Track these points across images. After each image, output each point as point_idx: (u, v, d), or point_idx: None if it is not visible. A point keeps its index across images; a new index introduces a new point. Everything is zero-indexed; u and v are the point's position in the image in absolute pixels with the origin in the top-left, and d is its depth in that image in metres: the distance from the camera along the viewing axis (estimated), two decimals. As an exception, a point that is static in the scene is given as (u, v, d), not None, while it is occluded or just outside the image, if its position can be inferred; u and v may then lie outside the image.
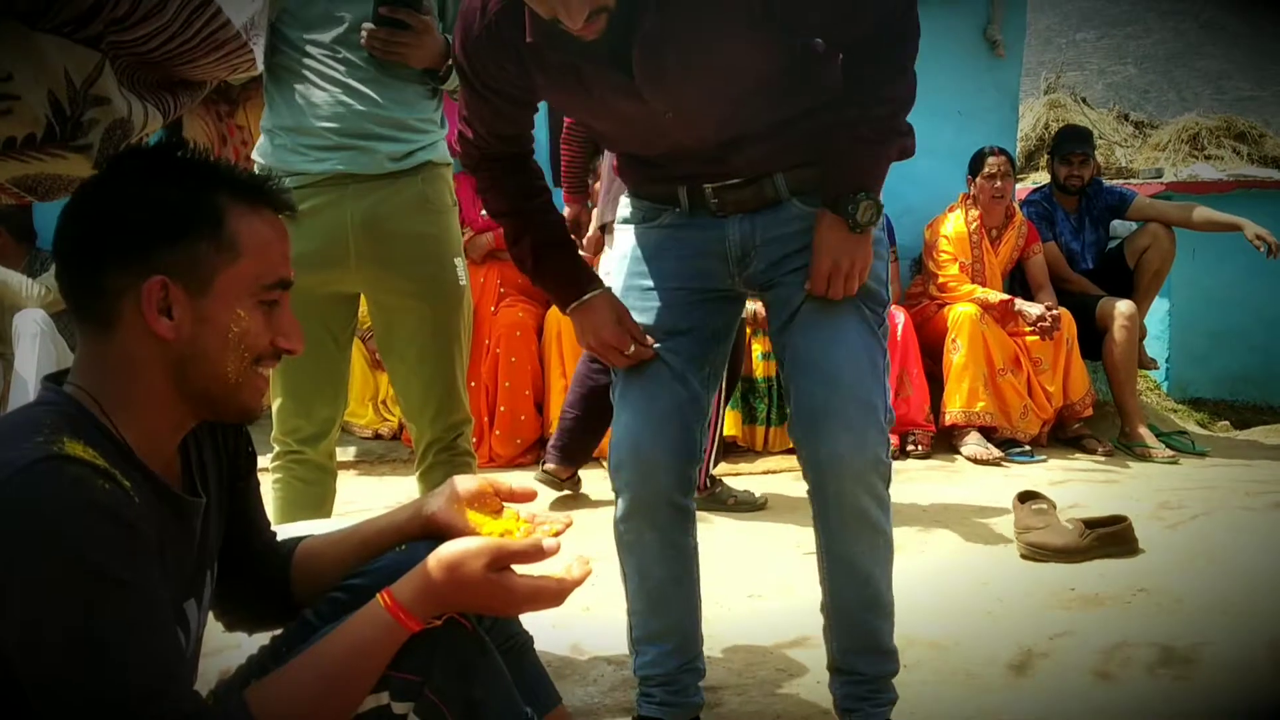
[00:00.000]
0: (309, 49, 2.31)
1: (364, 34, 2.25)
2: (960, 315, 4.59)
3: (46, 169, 1.36)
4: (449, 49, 2.29)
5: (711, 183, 1.87)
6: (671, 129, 1.77)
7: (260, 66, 1.63)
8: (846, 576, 1.88)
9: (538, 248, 1.93)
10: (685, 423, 1.89)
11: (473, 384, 4.48)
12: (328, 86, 2.31)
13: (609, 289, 1.93)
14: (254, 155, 2.45)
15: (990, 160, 4.72)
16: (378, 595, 1.23)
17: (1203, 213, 4.92)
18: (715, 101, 1.75)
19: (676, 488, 1.89)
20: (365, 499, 3.76)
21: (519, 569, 1.29)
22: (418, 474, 2.54)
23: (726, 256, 1.92)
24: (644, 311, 1.93)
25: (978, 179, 4.75)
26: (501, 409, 4.47)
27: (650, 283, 1.95)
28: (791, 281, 1.87)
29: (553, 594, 1.29)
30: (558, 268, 1.94)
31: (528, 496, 1.48)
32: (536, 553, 1.29)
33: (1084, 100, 9.80)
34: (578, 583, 1.31)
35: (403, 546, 1.42)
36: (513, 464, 4.39)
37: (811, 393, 1.80)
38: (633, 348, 1.87)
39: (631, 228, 2.00)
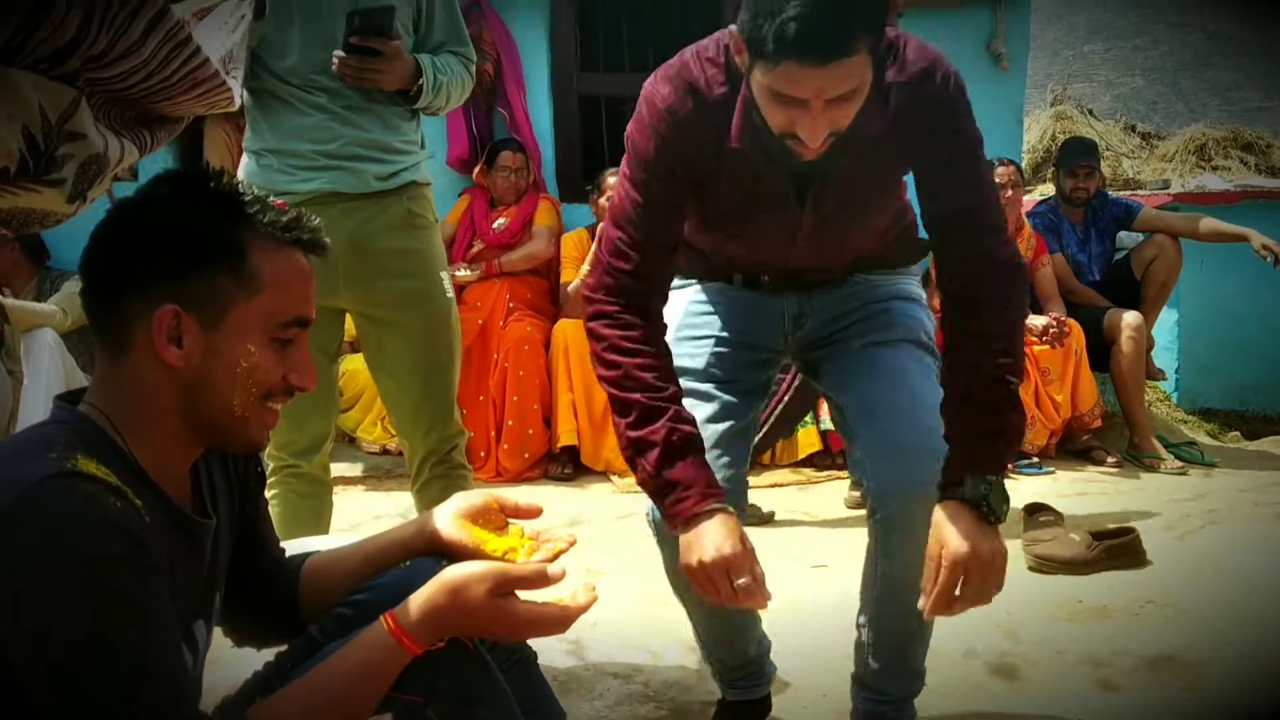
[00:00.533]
0: (290, 77, 2.36)
1: (335, 62, 2.30)
2: (967, 326, 4.58)
3: (20, 203, 1.37)
4: (419, 70, 2.38)
5: (771, 275, 1.93)
6: (799, 251, 1.83)
7: (239, 101, 1.64)
8: (895, 602, 1.86)
9: (673, 444, 1.67)
10: (735, 462, 1.87)
11: (480, 398, 4.49)
12: (312, 112, 2.37)
13: (732, 509, 1.69)
14: (239, 175, 2.48)
15: (999, 171, 4.71)
16: (381, 618, 1.24)
17: (1209, 223, 4.91)
18: (848, 240, 1.84)
19: None
20: (372, 514, 3.77)
21: (523, 594, 1.30)
22: (414, 489, 2.56)
23: (783, 315, 1.95)
24: (694, 358, 1.91)
25: None
26: (510, 423, 4.47)
27: (704, 333, 1.95)
28: (848, 334, 1.91)
29: (555, 620, 1.30)
30: (688, 471, 1.67)
31: (533, 513, 1.47)
32: (540, 579, 1.29)
33: (1090, 112, 9.80)
34: (582, 610, 1.32)
35: (407, 563, 1.42)
36: (520, 478, 4.39)
37: (884, 428, 1.79)
38: (746, 579, 1.60)
39: (689, 285, 2.01)
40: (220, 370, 1.21)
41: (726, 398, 1.88)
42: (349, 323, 2.55)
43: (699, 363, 1.91)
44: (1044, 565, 3.14)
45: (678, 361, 1.80)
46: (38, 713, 1.06)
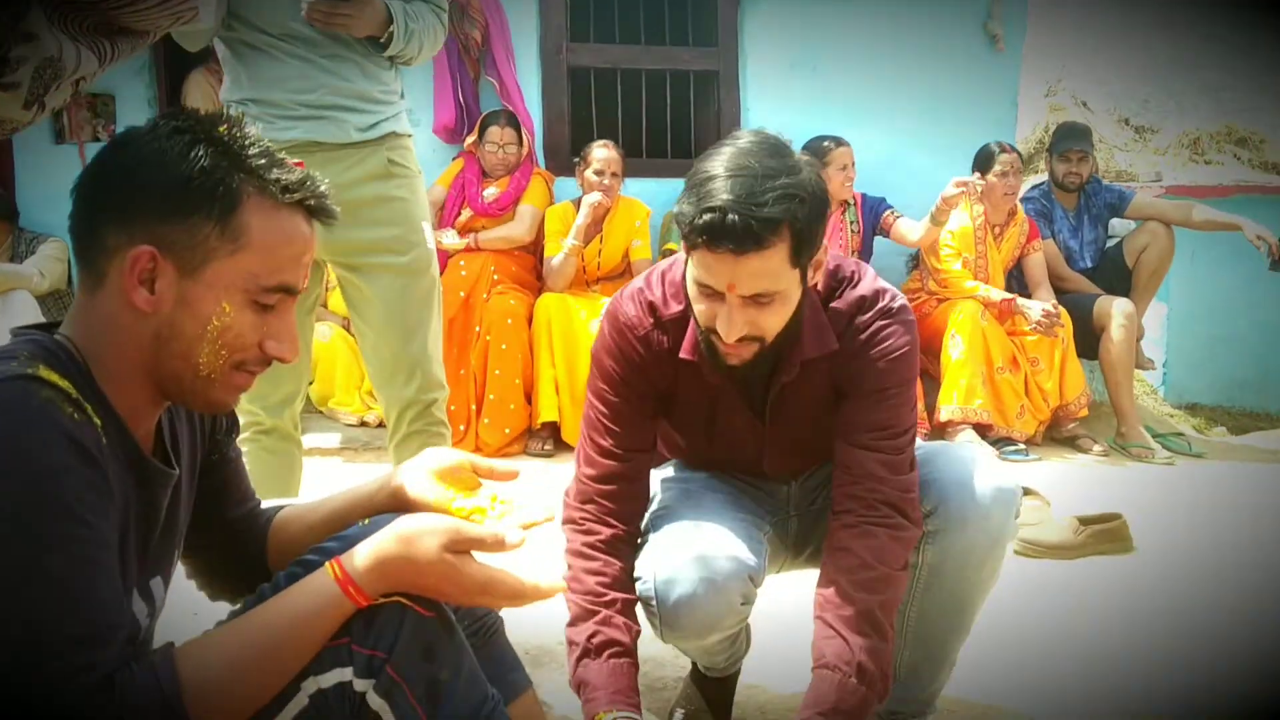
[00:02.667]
0: (268, 27, 2.33)
1: (305, 6, 2.27)
2: (961, 311, 4.53)
3: None
4: (390, 16, 2.34)
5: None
6: (771, 460, 1.86)
7: (207, 22, 1.58)
8: (941, 596, 1.81)
9: (591, 645, 1.67)
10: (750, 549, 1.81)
11: (461, 372, 4.42)
12: (291, 61, 2.34)
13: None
14: None
15: (1003, 157, 4.65)
16: (327, 564, 1.18)
17: (1202, 211, 4.87)
18: (819, 450, 1.80)
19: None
20: (349, 485, 3.70)
21: (482, 558, 1.22)
22: (392, 445, 2.52)
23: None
24: (693, 482, 1.91)
25: (989, 176, 4.66)
26: (491, 397, 4.41)
27: (701, 476, 1.94)
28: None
29: (509, 591, 1.23)
30: (600, 674, 1.66)
31: (509, 476, 1.42)
32: (497, 544, 1.22)
33: (1085, 104, 9.77)
34: (542, 595, 1.25)
35: (366, 521, 1.36)
36: (500, 453, 4.32)
37: (947, 466, 1.79)
38: None
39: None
40: (190, 323, 1.16)
41: (732, 507, 1.85)
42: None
43: (698, 485, 1.91)
44: (1030, 549, 3.10)
45: (676, 486, 1.89)
46: None
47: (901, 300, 1.75)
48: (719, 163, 1.52)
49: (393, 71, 2.47)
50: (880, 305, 1.72)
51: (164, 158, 1.14)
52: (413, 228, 2.45)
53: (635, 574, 1.75)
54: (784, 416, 1.79)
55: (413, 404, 2.46)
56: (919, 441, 1.80)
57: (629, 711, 1.62)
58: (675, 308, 1.73)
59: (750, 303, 1.55)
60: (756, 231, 1.48)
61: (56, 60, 1.33)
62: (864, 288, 1.73)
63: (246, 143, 1.18)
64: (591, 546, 1.74)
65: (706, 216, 1.49)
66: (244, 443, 2.40)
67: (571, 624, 1.71)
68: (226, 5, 2.32)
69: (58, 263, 4.49)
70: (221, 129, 1.17)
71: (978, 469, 1.74)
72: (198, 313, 1.15)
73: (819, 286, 1.71)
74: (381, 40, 2.37)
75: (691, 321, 1.69)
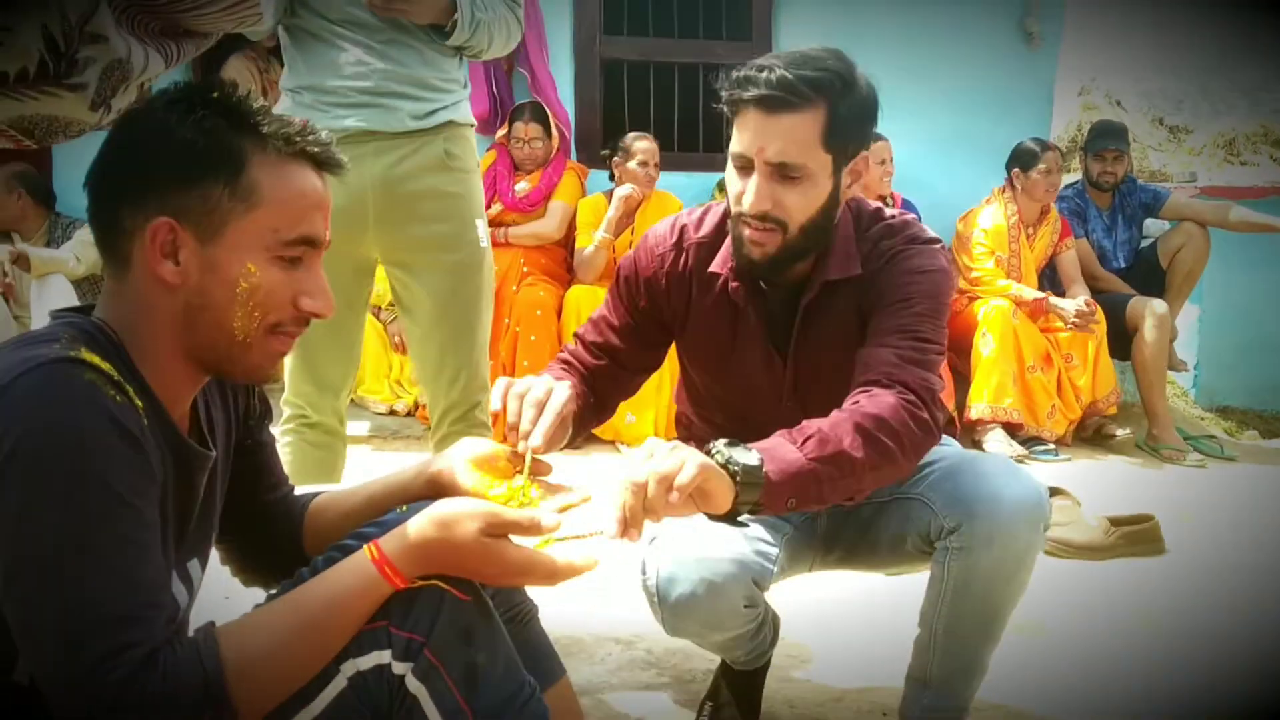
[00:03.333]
0: (327, 12, 2.30)
1: None
2: (993, 309, 4.51)
3: (42, 109, 1.32)
4: (454, 4, 2.29)
5: None
6: (785, 408, 1.77)
7: (268, 23, 1.58)
8: (974, 603, 1.77)
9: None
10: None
11: (491, 362, 4.42)
12: (348, 46, 2.30)
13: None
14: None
15: (1047, 155, 4.61)
16: (365, 547, 1.18)
17: (1239, 213, 4.82)
18: (829, 399, 1.63)
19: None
20: (378, 473, 3.71)
21: (517, 540, 1.23)
22: (433, 442, 2.50)
23: None
24: None
25: (1031, 174, 4.61)
26: (518, 389, 4.41)
27: None
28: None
29: (546, 571, 1.22)
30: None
31: (544, 470, 1.42)
32: (534, 527, 1.22)
33: (1119, 104, 9.69)
34: (577, 571, 1.24)
35: (404, 508, 1.37)
36: (528, 445, 4.33)
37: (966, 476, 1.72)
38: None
39: None
40: (219, 288, 1.16)
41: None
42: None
43: None
44: (1059, 550, 3.08)
45: None
46: (2, 599, 1.03)
47: (933, 234, 1.74)
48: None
49: (456, 59, 2.41)
50: (909, 232, 1.71)
51: (164, 130, 1.15)
52: (466, 225, 2.39)
53: (641, 567, 1.75)
54: (806, 351, 1.75)
55: (457, 405, 2.43)
56: (943, 450, 1.76)
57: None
58: (707, 230, 1.77)
59: (776, 174, 1.58)
60: (792, 84, 1.53)
61: (125, 62, 1.33)
62: (896, 219, 1.74)
63: (242, 104, 1.19)
64: (552, 370, 1.79)
65: (749, 71, 1.55)
66: (287, 434, 2.41)
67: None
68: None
69: (93, 248, 4.51)
70: (215, 94, 1.18)
71: (1005, 483, 1.68)
72: (225, 277, 1.16)
73: (860, 217, 1.73)
74: (446, 29, 2.31)
75: (725, 241, 1.72)
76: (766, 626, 2.01)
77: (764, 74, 1.54)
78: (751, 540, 1.75)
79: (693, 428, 1.97)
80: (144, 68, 1.41)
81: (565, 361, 1.84)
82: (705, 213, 1.82)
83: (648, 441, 1.37)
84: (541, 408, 1.49)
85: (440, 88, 2.36)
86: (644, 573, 1.74)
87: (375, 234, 2.34)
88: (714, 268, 1.74)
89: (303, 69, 2.34)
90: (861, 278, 1.69)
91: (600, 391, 1.84)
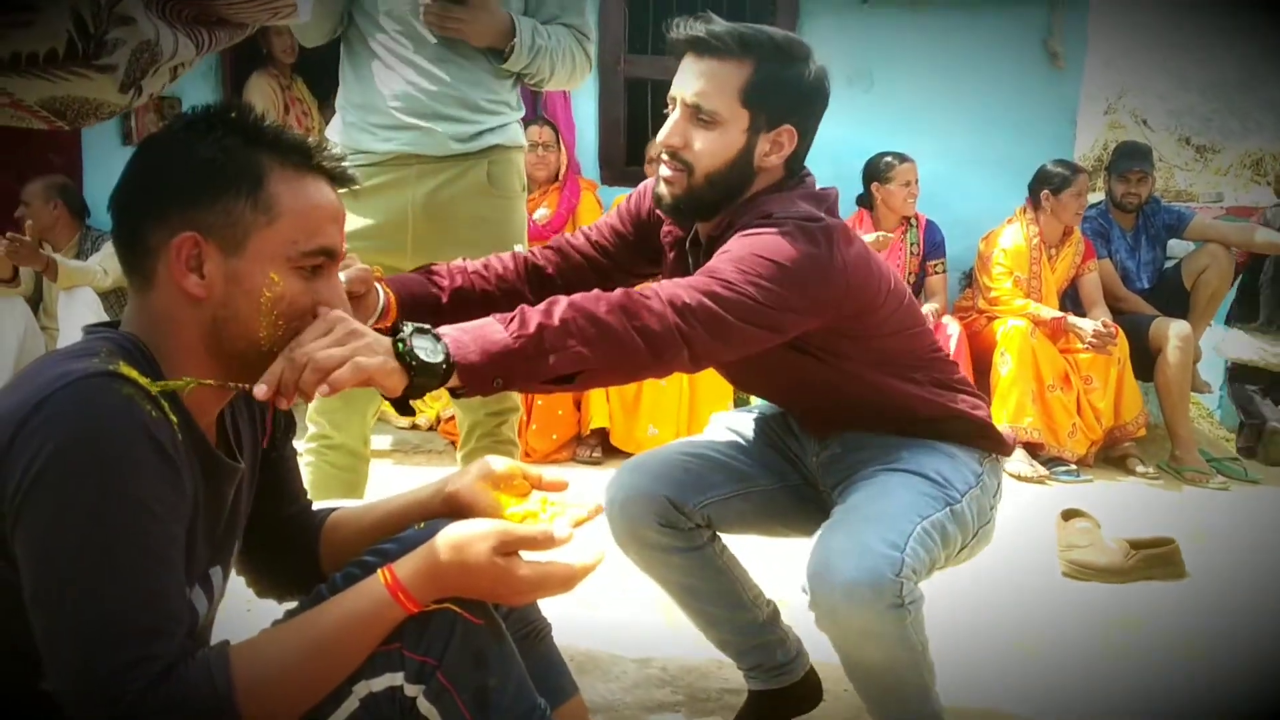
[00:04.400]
0: (381, 24, 2.31)
1: (420, 7, 2.24)
2: (1011, 329, 4.50)
3: (73, 90, 1.34)
4: (513, 28, 2.29)
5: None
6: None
7: (304, 15, 1.60)
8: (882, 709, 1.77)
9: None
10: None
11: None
12: (396, 65, 2.31)
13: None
14: (327, 133, 2.46)
15: (1079, 179, 4.59)
16: (379, 571, 1.20)
17: (1266, 234, 4.79)
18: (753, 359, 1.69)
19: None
20: (399, 488, 3.72)
21: (529, 555, 1.24)
22: (460, 457, 2.53)
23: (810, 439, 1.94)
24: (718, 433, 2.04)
25: (1062, 196, 4.58)
26: (539, 403, 4.43)
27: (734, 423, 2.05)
28: (863, 467, 1.81)
29: (560, 580, 1.24)
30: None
31: (558, 486, 1.43)
32: (546, 540, 1.24)
33: (1145, 122, 9.66)
34: (589, 570, 1.26)
35: (421, 525, 1.39)
36: (548, 460, 4.34)
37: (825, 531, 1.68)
38: None
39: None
40: (243, 299, 1.19)
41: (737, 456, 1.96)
42: None
43: (721, 434, 2.02)
44: (1079, 572, 3.07)
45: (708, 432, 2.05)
46: (29, 605, 1.04)
47: (805, 213, 1.64)
48: None
49: (508, 81, 2.40)
50: (775, 215, 1.63)
51: (185, 148, 1.19)
52: (503, 251, 2.42)
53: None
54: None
55: (484, 422, 2.45)
56: (888, 461, 1.76)
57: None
58: None
59: (692, 116, 1.65)
60: (721, 35, 1.63)
61: (154, 44, 1.35)
62: (787, 201, 1.67)
63: (258, 122, 1.22)
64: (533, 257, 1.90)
65: (690, 18, 1.67)
66: (309, 453, 2.42)
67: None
68: (345, 2, 2.32)
69: (120, 261, 4.59)
70: (233, 114, 1.22)
71: (852, 550, 1.57)
72: (249, 287, 1.19)
73: (782, 190, 1.70)
74: (504, 53, 2.31)
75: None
76: (789, 641, 2.01)
77: (702, 21, 1.65)
78: (696, 471, 1.90)
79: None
80: (174, 52, 1.42)
81: (541, 250, 1.91)
82: None
83: (332, 315, 1.25)
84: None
85: (486, 109, 2.35)
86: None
87: (414, 257, 2.35)
88: (658, 211, 1.81)
89: (354, 85, 2.36)
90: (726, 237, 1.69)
91: (558, 280, 1.88)
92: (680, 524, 1.87)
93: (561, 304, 1.46)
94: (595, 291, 1.51)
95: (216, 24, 1.49)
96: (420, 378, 1.32)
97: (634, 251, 1.91)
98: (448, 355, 1.35)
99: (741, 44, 1.63)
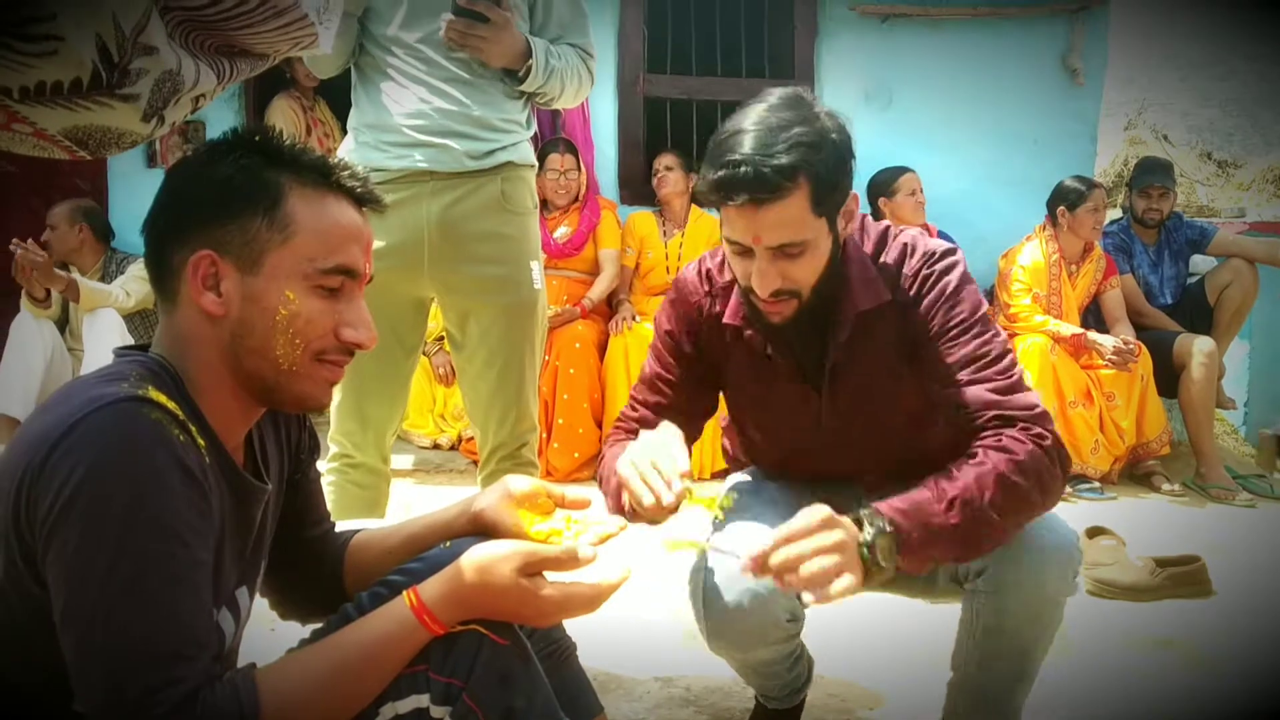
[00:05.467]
0: (394, 47, 2.33)
1: (443, 24, 2.25)
2: (1030, 346, 4.48)
3: (96, 119, 1.35)
4: (529, 49, 2.31)
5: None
6: (827, 445, 1.84)
7: (327, 47, 1.61)
8: (984, 694, 1.80)
9: (623, 440, 1.79)
10: None
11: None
12: (410, 85, 2.33)
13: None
14: (339, 153, 2.46)
15: (1095, 193, 4.58)
16: (404, 593, 1.21)
17: (1291, 250, 4.77)
18: (880, 437, 1.81)
19: None
20: (421, 507, 3.75)
21: (553, 575, 1.25)
22: (481, 478, 2.52)
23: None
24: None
25: (1078, 212, 4.58)
26: (560, 422, 4.44)
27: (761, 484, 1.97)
28: None
29: (585, 600, 1.25)
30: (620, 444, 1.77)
31: (581, 504, 1.44)
32: (571, 560, 1.25)
33: (1165, 138, 9.62)
34: (614, 588, 1.27)
35: (447, 544, 1.40)
36: (569, 478, 4.35)
37: None
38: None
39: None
40: (259, 317, 1.20)
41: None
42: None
43: (762, 495, 1.92)
44: (1104, 590, 3.04)
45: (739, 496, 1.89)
46: (59, 629, 1.05)
47: (947, 246, 1.74)
48: (736, 121, 1.58)
49: (520, 100, 2.42)
50: (923, 250, 1.72)
51: (205, 170, 1.21)
52: (521, 267, 2.40)
53: (689, 575, 1.78)
54: (841, 385, 1.77)
55: (505, 444, 2.45)
56: None
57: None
58: (730, 275, 1.76)
59: (779, 255, 1.59)
60: (771, 180, 1.52)
61: (176, 74, 1.36)
62: (906, 237, 1.75)
63: (279, 142, 1.24)
64: (618, 436, 1.84)
65: (722, 172, 1.54)
66: (331, 472, 2.44)
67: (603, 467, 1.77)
68: (357, 33, 2.35)
69: (143, 282, 4.61)
70: (256, 137, 1.23)
71: (1034, 528, 1.66)
72: (265, 306, 1.20)
73: (867, 246, 1.73)
74: (520, 74, 2.33)
75: (736, 286, 1.73)
76: (803, 660, 2.01)
77: (741, 171, 1.52)
78: None
79: (734, 449, 2.02)
80: (195, 82, 1.43)
81: (627, 429, 1.85)
82: (720, 253, 1.83)
83: (817, 518, 1.40)
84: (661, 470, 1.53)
85: (500, 128, 2.37)
86: (691, 580, 1.77)
87: (430, 273, 2.37)
88: (728, 319, 1.77)
89: (367, 106, 2.38)
90: (893, 304, 1.70)
91: None
92: (800, 615, 1.78)
93: (988, 478, 1.52)
94: (982, 459, 1.56)
95: (238, 54, 1.50)
96: (877, 568, 1.44)
97: (696, 389, 1.87)
98: (896, 543, 1.45)
99: (794, 173, 1.53)
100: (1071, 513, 4.08)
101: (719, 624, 1.72)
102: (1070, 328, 4.56)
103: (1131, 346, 4.43)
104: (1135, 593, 3.01)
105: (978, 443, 1.59)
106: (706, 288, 1.82)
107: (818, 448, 1.86)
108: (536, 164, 2.52)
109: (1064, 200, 4.62)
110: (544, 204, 4.81)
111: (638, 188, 5.21)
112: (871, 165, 4.66)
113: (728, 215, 1.59)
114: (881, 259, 1.73)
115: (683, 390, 1.85)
